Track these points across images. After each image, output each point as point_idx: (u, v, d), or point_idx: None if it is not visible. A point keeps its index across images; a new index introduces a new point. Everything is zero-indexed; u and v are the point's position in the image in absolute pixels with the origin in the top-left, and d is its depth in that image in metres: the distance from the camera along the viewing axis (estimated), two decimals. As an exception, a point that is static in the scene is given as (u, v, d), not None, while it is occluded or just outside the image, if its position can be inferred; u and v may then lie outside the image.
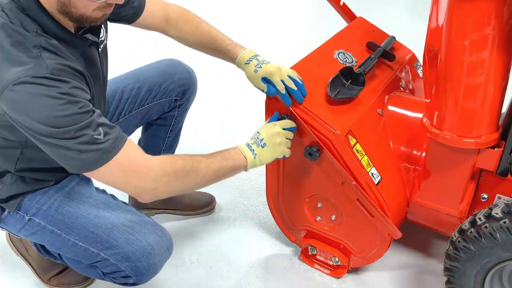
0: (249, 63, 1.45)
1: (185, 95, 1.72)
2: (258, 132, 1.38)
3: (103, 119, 1.13)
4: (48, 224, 1.32)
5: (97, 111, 1.14)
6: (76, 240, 1.32)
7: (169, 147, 1.84)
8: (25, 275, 1.66)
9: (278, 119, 1.41)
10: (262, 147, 1.35)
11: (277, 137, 1.36)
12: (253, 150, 1.34)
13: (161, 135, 1.79)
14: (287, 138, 1.39)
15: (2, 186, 1.31)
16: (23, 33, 1.08)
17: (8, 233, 1.68)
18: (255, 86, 1.46)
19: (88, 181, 1.44)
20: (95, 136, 1.09)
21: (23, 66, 1.05)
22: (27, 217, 1.33)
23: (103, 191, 1.44)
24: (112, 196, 1.43)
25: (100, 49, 1.31)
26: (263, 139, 1.35)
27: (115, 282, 1.39)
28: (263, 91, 1.43)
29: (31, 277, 1.65)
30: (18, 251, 1.66)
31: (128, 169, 1.14)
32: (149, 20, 1.53)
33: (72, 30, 1.18)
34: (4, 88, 1.05)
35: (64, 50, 1.14)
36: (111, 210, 1.35)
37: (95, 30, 1.25)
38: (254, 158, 1.33)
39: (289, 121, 1.40)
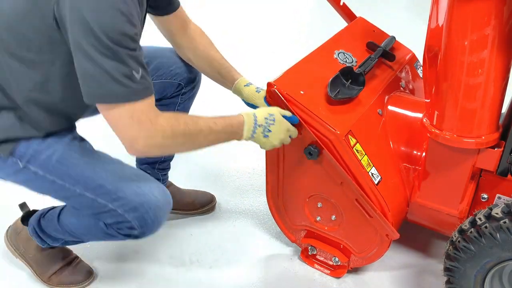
0: (249, 85, 1.59)
1: (191, 83, 1.72)
2: (273, 120, 1.35)
3: (145, 64, 1.13)
4: (48, 174, 1.30)
5: (143, 52, 1.13)
6: (82, 191, 1.31)
7: None
8: (26, 278, 1.65)
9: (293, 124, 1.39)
10: (264, 136, 1.35)
11: (280, 139, 1.37)
12: (255, 133, 1.34)
13: None
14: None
15: None
16: None
17: (6, 235, 1.68)
18: (257, 104, 1.53)
19: (84, 140, 1.42)
20: (133, 72, 1.10)
21: None
22: (21, 164, 1.29)
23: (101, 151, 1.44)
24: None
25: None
26: (271, 131, 1.35)
27: (119, 234, 1.38)
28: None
29: (32, 279, 1.64)
30: (17, 252, 1.65)
31: (136, 118, 1.13)
32: (175, 22, 1.56)
33: None
34: None
35: None
36: (116, 165, 1.37)
37: None
38: (251, 137, 1.35)
39: (297, 132, 1.41)
